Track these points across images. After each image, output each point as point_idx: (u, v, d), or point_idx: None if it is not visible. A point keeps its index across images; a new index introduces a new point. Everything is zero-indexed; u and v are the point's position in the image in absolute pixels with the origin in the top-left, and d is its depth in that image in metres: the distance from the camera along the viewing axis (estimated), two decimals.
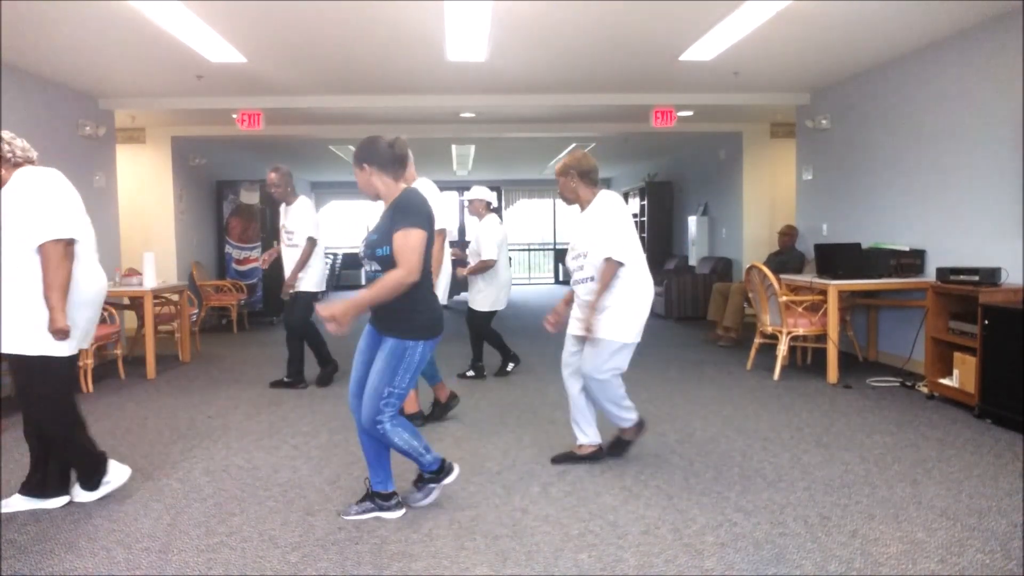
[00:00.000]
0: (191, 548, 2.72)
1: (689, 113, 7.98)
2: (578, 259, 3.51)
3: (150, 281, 6.15)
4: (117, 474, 3.22)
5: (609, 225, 3.38)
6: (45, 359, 2.92)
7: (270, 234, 9.84)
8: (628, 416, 3.62)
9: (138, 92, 6.88)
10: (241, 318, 9.40)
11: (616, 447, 3.72)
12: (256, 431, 4.34)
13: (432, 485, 3.07)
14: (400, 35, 5.09)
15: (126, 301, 6.55)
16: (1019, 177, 4.56)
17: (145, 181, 8.56)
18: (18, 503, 3.10)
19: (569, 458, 3.65)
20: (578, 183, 3.50)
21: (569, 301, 3.66)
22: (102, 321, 5.98)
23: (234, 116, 7.18)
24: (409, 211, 2.74)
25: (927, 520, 2.86)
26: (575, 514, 2.99)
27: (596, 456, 3.64)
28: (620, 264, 3.35)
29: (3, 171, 2.90)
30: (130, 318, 7.10)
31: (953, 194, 5.25)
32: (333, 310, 2.61)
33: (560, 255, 16.69)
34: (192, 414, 4.77)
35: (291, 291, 5.44)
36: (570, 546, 2.70)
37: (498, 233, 5.56)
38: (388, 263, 2.73)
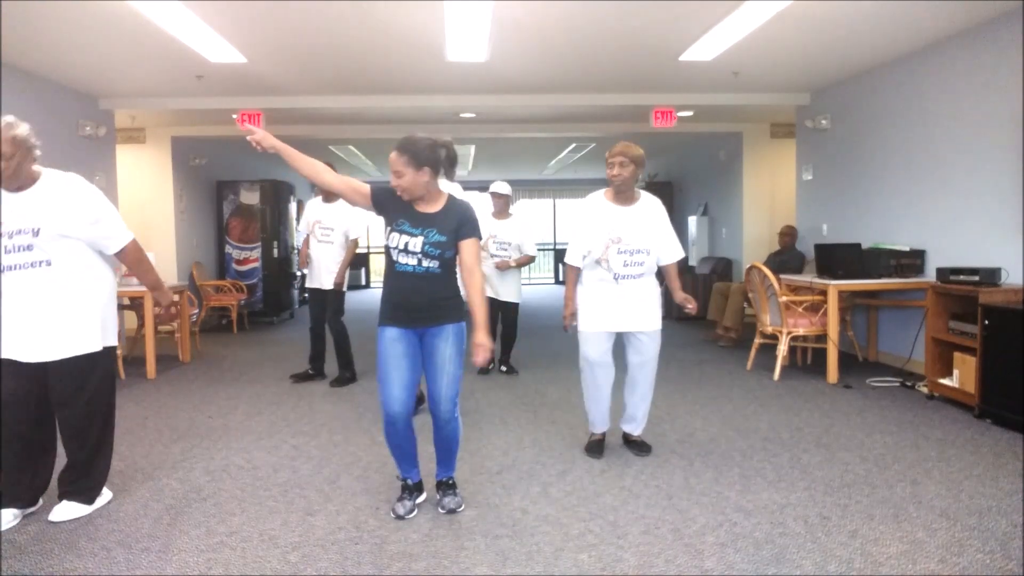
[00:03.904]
0: (191, 548, 2.72)
1: (689, 113, 7.98)
2: (638, 255, 3.59)
3: None
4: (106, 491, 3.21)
5: (670, 226, 3.71)
6: (100, 355, 3.00)
7: (270, 234, 9.85)
8: None
9: (138, 92, 6.88)
10: (241, 318, 9.40)
11: (643, 447, 3.83)
12: (256, 431, 4.34)
13: (458, 489, 3.14)
14: (400, 35, 5.09)
15: (126, 301, 6.55)
16: (1019, 177, 4.56)
17: (145, 181, 8.57)
18: (71, 510, 3.01)
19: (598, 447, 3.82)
20: (634, 178, 3.61)
21: (573, 298, 3.75)
22: None
23: (234, 116, 7.18)
24: (475, 223, 2.94)
25: (927, 520, 2.86)
26: (575, 514, 2.99)
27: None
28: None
29: (33, 168, 2.91)
30: (130, 318, 7.10)
31: (953, 194, 5.25)
32: (484, 342, 2.83)
33: (560, 255, 16.68)
34: (192, 414, 4.77)
35: (337, 287, 5.53)
36: (570, 546, 2.70)
37: (534, 228, 5.89)
38: (449, 265, 2.88)
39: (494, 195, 5.86)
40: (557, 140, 10.15)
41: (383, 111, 7.71)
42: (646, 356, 3.68)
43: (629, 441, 3.84)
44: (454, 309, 2.92)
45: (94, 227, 2.96)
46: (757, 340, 6.01)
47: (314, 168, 2.96)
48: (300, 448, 3.97)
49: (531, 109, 7.80)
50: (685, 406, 4.81)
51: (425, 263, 2.83)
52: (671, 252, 3.71)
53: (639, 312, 3.62)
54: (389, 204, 2.89)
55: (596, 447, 3.78)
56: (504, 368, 5.99)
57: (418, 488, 3.10)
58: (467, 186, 5.90)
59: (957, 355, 4.58)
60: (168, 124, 8.45)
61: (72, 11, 4.43)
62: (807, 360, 6.15)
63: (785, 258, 7.17)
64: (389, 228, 2.87)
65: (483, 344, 2.82)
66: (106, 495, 3.18)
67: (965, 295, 4.55)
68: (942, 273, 4.81)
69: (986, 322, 4.21)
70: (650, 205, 3.68)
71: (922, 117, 5.57)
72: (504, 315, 5.94)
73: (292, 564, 2.58)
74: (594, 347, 3.65)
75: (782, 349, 5.58)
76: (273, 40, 5.19)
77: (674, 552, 2.63)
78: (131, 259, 3.12)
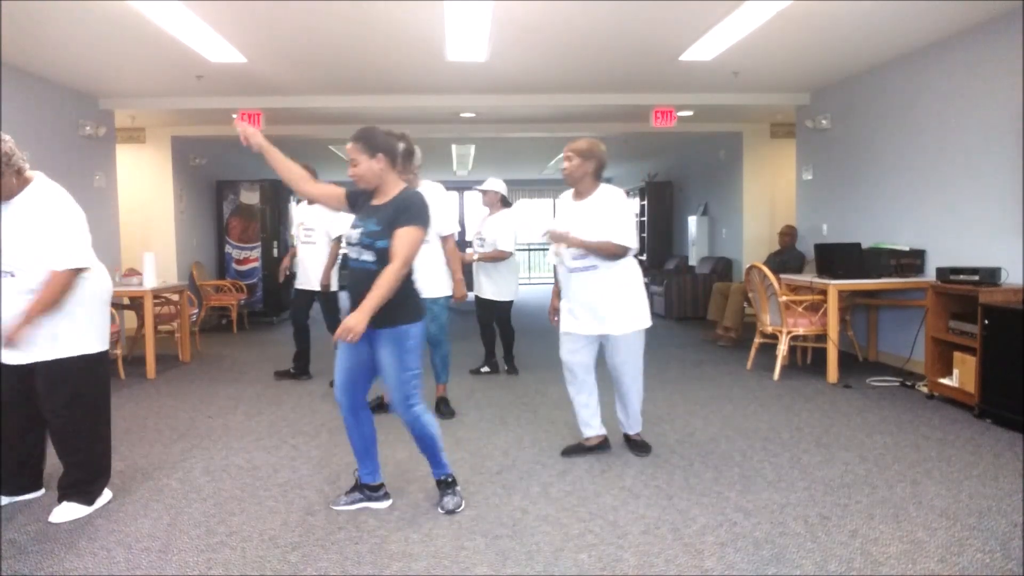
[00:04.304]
0: (191, 548, 2.72)
1: (689, 113, 7.98)
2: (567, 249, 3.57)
3: (150, 281, 6.16)
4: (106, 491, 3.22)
5: (623, 216, 3.53)
6: (83, 358, 3.00)
7: (270, 234, 9.84)
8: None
9: (138, 92, 6.88)
10: (241, 318, 9.40)
11: (642, 447, 3.82)
12: (256, 431, 4.34)
13: (458, 488, 3.11)
14: (400, 35, 5.09)
15: (126, 301, 6.55)
16: (1019, 177, 4.56)
17: (145, 181, 8.57)
18: (70, 511, 3.01)
19: (578, 450, 3.78)
20: (591, 172, 3.55)
21: (559, 294, 3.77)
22: None
23: (234, 116, 7.18)
24: (415, 211, 2.83)
25: (927, 520, 2.86)
26: (575, 514, 2.99)
27: (604, 446, 3.80)
28: (628, 251, 3.55)
29: (14, 180, 2.90)
30: (130, 318, 7.10)
31: (953, 194, 5.25)
32: (351, 326, 2.66)
33: None
34: (192, 414, 4.77)
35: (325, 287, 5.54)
36: (570, 546, 2.70)
37: (514, 225, 5.69)
38: (386, 256, 2.78)
39: (481, 192, 5.85)
40: (557, 140, 10.14)
41: (383, 111, 7.71)
42: (617, 359, 3.65)
43: (628, 440, 3.84)
44: (400, 311, 2.83)
45: (41, 244, 2.89)
46: (757, 340, 6.01)
47: (293, 175, 3.00)
48: (300, 448, 3.97)
49: (531, 109, 7.80)
50: (685, 406, 4.81)
51: (364, 256, 2.83)
52: (615, 236, 3.47)
53: (605, 314, 3.57)
54: (359, 203, 2.96)
55: (572, 449, 3.79)
56: (503, 368, 5.98)
57: (372, 489, 3.08)
58: (468, 186, 5.87)
59: (957, 355, 4.58)
60: (168, 124, 8.45)
61: (72, 11, 4.43)
62: (807, 360, 6.14)
63: (785, 258, 7.17)
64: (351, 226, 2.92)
65: (347, 325, 2.65)
66: (106, 495, 3.18)
67: (965, 295, 4.55)
68: (942, 273, 4.81)
69: (986, 322, 4.21)
70: (604, 197, 3.57)
71: (922, 117, 5.57)
72: (497, 314, 5.87)
73: (292, 564, 2.58)
74: (563, 347, 3.72)
75: (782, 349, 5.58)
76: (273, 40, 5.19)
77: (674, 552, 2.63)
78: (51, 282, 2.88)
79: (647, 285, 10.30)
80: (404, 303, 2.86)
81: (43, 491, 3.23)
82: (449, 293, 4.49)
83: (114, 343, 6.19)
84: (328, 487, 3.34)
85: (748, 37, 5.15)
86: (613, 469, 3.55)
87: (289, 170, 3.00)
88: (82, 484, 3.06)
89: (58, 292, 2.91)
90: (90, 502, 3.07)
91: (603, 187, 3.60)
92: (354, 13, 4.61)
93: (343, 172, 15.31)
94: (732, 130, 8.95)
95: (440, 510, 3.03)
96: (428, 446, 3.02)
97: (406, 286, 2.86)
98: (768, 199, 8.91)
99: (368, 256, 2.82)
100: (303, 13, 4.59)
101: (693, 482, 3.35)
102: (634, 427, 3.81)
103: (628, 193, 13.42)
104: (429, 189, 4.39)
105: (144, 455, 3.88)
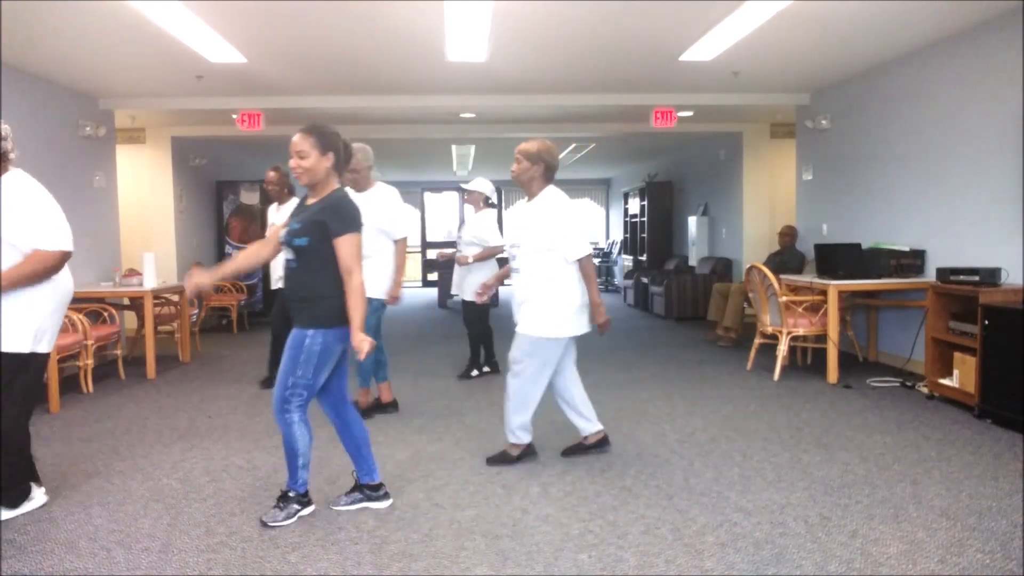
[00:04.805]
0: (191, 548, 2.72)
1: (689, 113, 7.98)
2: (514, 248, 3.57)
3: (150, 281, 6.15)
4: (39, 495, 3.14)
5: (569, 224, 3.43)
6: (27, 356, 2.93)
7: None
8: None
9: (138, 92, 6.88)
10: (241, 318, 9.40)
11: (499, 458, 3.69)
12: (256, 431, 4.34)
13: (296, 507, 2.96)
14: (400, 35, 5.09)
15: (126, 301, 6.55)
16: (1019, 177, 4.56)
17: (145, 181, 8.57)
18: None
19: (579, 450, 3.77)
20: (540, 174, 3.53)
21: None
22: (102, 321, 5.99)
23: (234, 116, 7.18)
24: (349, 217, 2.80)
25: (927, 520, 2.86)
26: (575, 514, 2.99)
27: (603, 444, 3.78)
28: (589, 256, 3.48)
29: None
30: (130, 318, 7.10)
31: (953, 194, 5.25)
32: (358, 346, 2.74)
33: None
34: (192, 414, 4.77)
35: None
36: (570, 546, 2.70)
37: (494, 224, 5.63)
38: (304, 254, 2.79)
39: (465, 191, 5.81)
40: (557, 140, 10.15)
41: (383, 111, 7.71)
42: (510, 355, 3.56)
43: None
44: (307, 313, 2.80)
45: (25, 224, 2.86)
46: (757, 340, 6.01)
47: (261, 259, 3.05)
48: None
49: (531, 109, 7.80)
50: (685, 406, 4.81)
51: (286, 254, 2.85)
52: (568, 250, 3.42)
53: (522, 310, 3.54)
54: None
55: (573, 449, 3.79)
56: (487, 369, 5.87)
57: (372, 488, 3.06)
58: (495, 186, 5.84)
59: (957, 355, 4.58)
60: (168, 124, 8.45)
61: (72, 11, 4.43)
62: (807, 360, 6.15)
63: (785, 258, 7.17)
64: None
65: (357, 347, 2.75)
66: (37, 499, 3.11)
67: (965, 295, 4.55)
68: (942, 273, 4.81)
69: (986, 322, 4.21)
70: (546, 201, 3.49)
71: (922, 117, 5.57)
72: (474, 314, 5.76)
73: (292, 564, 2.58)
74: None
75: (782, 349, 5.58)
76: (273, 40, 5.19)
77: (674, 552, 2.63)
78: (31, 260, 2.86)
79: (646, 285, 10.33)
80: (312, 306, 2.81)
81: (43, 490, 3.22)
82: (383, 296, 4.38)
83: (114, 343, 6.20)
84: (328, 487, 3.34)
85: (748, 37, 5.15)
86: (613, 469, 3.55)
87: (253, 264, 3.04)
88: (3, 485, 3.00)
89: (40, 269, 2.84)
90: (11, 505, 3.01)
91: (548, 190, 3.54)
92: (354, 13, 4.62)
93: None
94: (732, 130, 8.95)
95: (263, 520, 2.92)
96: (289, 453, 2.94)
97: (318, 290, 2.80)
98: (768, 199, 8.92)
99: (290, 254, 2.83)
100: (303, 13, 4.59)
101: (693, 482, 3.35)
102: (508, 433, 3.64)
103: (628, 193, 13.44)
104: (384, 191, 4.41)
105: (144, 455, 3.88)
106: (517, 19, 4.76)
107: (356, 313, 2.76)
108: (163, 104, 7.14)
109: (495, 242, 5.54)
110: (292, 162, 2.82)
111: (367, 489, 3.08)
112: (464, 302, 5.80)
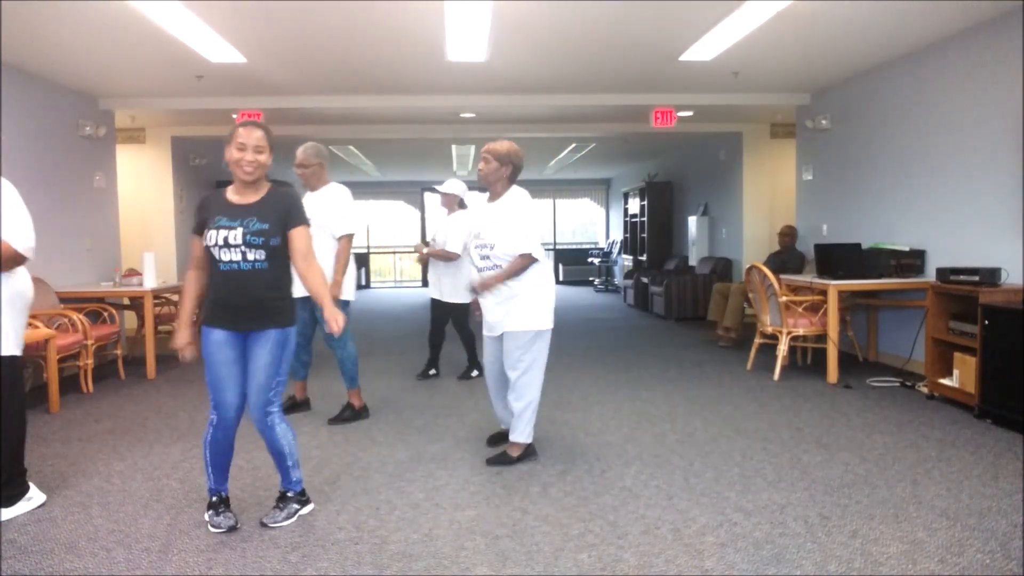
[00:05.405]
0: (191, 548, 2.72)
1: (689, 113, 7.98)
2: (483, 248, 3.58)
3: (150, 281, 6.16)
4: (37, 495, 3.16)
5: (527, 221, 3.49)
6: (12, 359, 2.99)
7: None
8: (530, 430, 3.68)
9: (138, 92, 6.88)
10: None
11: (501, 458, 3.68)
12: (256, 431, 4.32)
13: (296, 506, 2.98)
14: (400, 35, 5.09)
15: (126, 301, 6.55)
16: (1019, 177, 4.56)
17: (145, 181, 8.56)
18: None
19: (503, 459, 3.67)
20: (507, 175, 3.56)
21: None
22: (102, 321, 6.00)
23: (234, 116, 7.18)
24: (301, 209, 2.89)
25: (927, 520, 2.86)
26: (575, 514, 2.99)
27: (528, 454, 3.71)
28: (535, 260, 3.50)
29: None
30: (130, 318, 7.10)
31: (953, 194, 5.25)
32: (338, 320, 2.77)
33: (559, 255, 16.68)
34: (192, 414, 4.77)
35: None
36: (570, 546, 2.70)
37: (462, 228, 5.43)
38: (276, 254, 2.79)
39: (440, 193, 5.76)
40: (557, 140, 10.15)
41: (383, 111, 7.71)
42: (508, 360, 3.58)
43: (506, 442, 3.74)
44: (279, 312, 2.82)
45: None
46: (757, 340, 6.01)
47: (198, 288, 2.96)
48: (300, 448, 3.96)
49: (531, 109, 7.80)
50: (685, 406, 4.81)
51: (251, 256, 2.74)
52: (514, 243, 3.47)
53: (503, 313, 3.56)
54: (207, 210, 2.88)
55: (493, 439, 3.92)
56: (476, 373, 5.79)
57: (226, 503, 2.97)
58: (468, 186, 5.83)
59: (957, 355, 4.58)
60: (168, 124, 8.45)
61: (72, 11, 4.43)
62: (807, 360, 6.15)
63: (785, 258, 7.17)
64: (206, 229, 2.81)
65: (330, 317, 2.77)
66: (36, 499, 3.12)
67: (965, 295, 4.55)
68: (942, 273, 4.81)
69: (986, 322, 4.21)
70: (511, 199, 3.56)
71: (922, 117, 5.58)
72: (452, 316, 5.71)
73: (292, 564, 2.58)
74: (483, 348, 3.79)
75: (782, 349, 5.58)
76: (273, 40, 5.19)
77: (674, 552, 2.63)
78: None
79: (646, 285, 10.33)
80: (287, 306, 2.86)
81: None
82: (352, 298, 4.46)
83: (114, 343, 6.20)
84: (328, 487, 3.34)
85: (748, 37, 5.15)
86: (613, 469, 3.55)
87: (198, 291, 2.95)
88: None
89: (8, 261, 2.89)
90: (8, 503, 3.02)
91: (513, 189, 3.60)
92: (354, 13, 4.62)
93: (343, 172, 15.26)
94: (732, 130, 8.95)
95: (263, 521, 2.91)
96: (283, 455, 2.93)
97: (287, 290, 2.87)
98: (768, 199, 8.92)
99: (258, 255, 2.75)
100: (303, 13, 4.59)
101: (693, 482, 3.35)
102: (517, 431, 3.64)
103: (628, 193, 13.45)
104: (335, 190, 4.45)
105: (144, 455, 3.88)
106: (517, 19, 4.76)
107: (324, 291, 2.82)
108: (163, 104, 7.14)
109: (452, 249, 5.48)
110: (248, 155, 2.83)
111: (293, 496, 3.01)
112: (434, 300, 5.74)
